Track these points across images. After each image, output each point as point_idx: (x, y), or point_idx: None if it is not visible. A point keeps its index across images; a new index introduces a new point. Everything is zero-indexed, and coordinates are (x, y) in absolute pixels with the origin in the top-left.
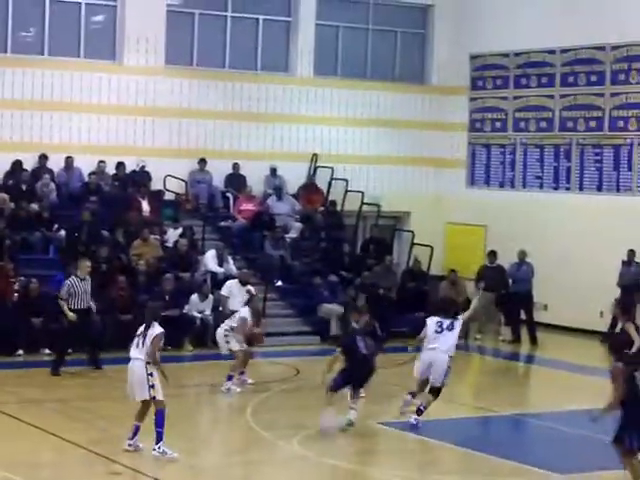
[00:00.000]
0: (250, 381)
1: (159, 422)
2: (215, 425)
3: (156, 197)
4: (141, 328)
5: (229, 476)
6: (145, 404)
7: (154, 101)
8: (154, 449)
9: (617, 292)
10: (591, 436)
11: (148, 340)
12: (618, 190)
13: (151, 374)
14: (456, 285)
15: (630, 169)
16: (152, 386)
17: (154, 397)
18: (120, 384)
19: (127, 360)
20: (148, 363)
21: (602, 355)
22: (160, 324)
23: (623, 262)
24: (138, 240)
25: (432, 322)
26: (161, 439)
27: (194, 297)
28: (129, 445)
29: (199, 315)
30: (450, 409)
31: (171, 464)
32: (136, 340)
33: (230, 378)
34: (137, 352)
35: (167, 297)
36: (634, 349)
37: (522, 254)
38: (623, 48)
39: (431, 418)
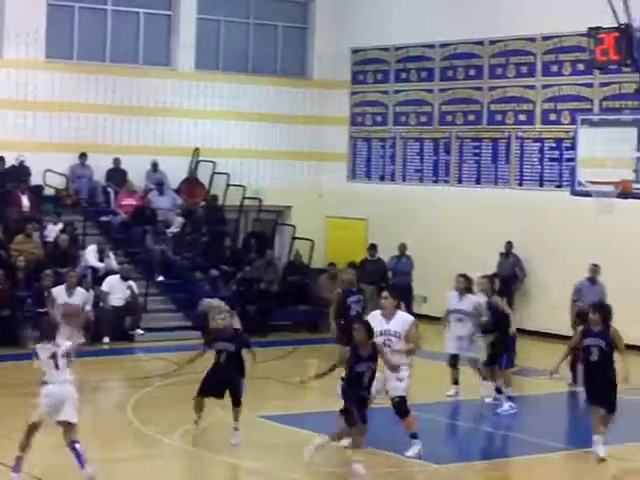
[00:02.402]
0: None
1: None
2: (95, 421)
3: (36, 192)
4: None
5: (110, 472)
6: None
7: (34, 95)
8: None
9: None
10: (468, 426)
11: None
12: (496, 183)
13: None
14: (335, 278)
15: (508, 162)
16: None
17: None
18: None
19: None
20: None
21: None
22: (40, 321)
23: (501, 254)
24: (21, 236)
25: None
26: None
27: None
28: None
29: None
30: (332, 401)
31: (51, 461)
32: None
33: None
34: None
35: (46, 293)
36: (511, 321)
37: (402, 247)
38: (501, 43)
39: (314, 410)
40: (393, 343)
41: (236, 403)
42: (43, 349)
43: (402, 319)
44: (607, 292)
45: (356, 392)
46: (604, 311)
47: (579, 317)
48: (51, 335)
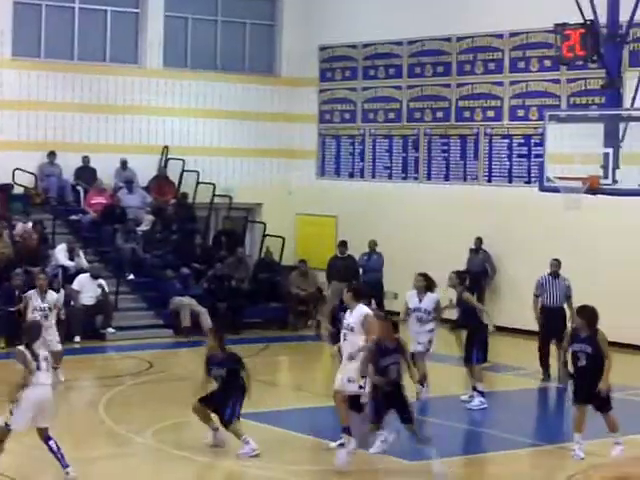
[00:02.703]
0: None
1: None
2: (67, 420)
3: (4, 191)
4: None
5: (83, 472)
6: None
7: (1, 93)
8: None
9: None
10: (438, 423)
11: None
12: (465, 179)
13: None
14: (306, 275)
15: (477, 159)
16: None
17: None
18: None
19: None
20: None
21: (454, 343)
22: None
23: (471, 250)
24: None
25: None
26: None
27: None
28: None
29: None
30: (303, 399)
31: (25, 461)
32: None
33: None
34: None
35: (17, 292)
36: (483, 314)
37: (372, 244)
38: (468, 39)
39: (288, 408)
40: (348, 336)
41: (222, 423)
42: (25, 351)
43: (358, 312)
44: (571, 286)
45: (381, 388)
46: (588, 315)
47: (542, 312)
48: (35, 337)
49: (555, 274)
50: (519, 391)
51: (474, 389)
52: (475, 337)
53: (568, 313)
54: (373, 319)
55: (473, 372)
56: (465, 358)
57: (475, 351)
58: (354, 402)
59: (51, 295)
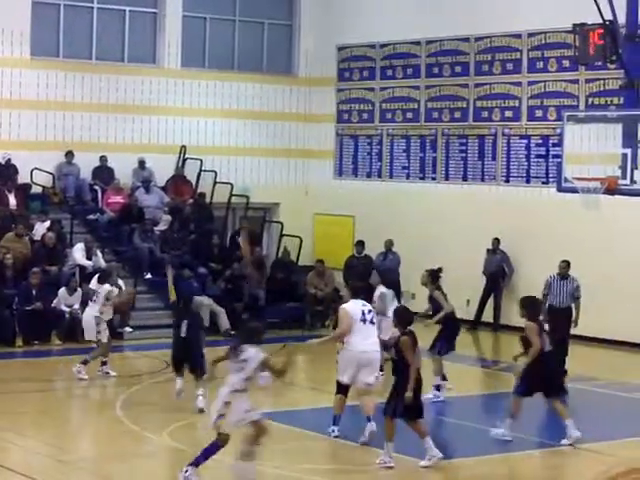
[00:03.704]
0: (113, 373)
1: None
2: (84, 419)
3: (23, 190)
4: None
5: (99, 470)
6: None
7: (20, 93)
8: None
9: (483, 280)
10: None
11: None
12: (483, 180)
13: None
14: (323, 275)
15: (494, 159)
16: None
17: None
18: None
19: None
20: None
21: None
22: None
23: (488, 250)
24: (11, 234)
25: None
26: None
27: (62, 291)
28: None
29: (67, 309)
30: (321, 398)
31: (40, 459)
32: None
33: (85, 363)
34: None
35: (34, 291)
36: (441, 314)
37: (389, 244)
38: (486, 39)
39: (303, 407)
40: None
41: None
42: None
43: None
44: (580, 287)
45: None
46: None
47: (549, 312)
48: None
49: (563, 275)
50: None
51: (443, 378)
52: (444, 332)
53: (574, 314)
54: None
55: (435, 364)
56: (430, 347)
57: (439, 344)
58: None
59: (78, 293)
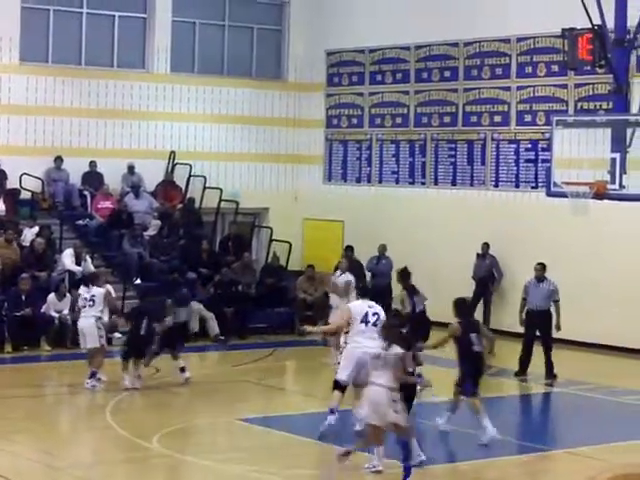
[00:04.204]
0: (104, 379)
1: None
2: (74, 425)
3: (12, 196)
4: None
5: (88, 476)
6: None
7: (9, 98)
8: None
9: (473, 285)
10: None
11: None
12: (472, 184)
13: (394, 400)
14: (313, 280)
15: (483, 163)
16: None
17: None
18: None
19: None
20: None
21: None
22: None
23: (478, 255)
24: (0, 239)
25: None
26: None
27: (51, 296)
28: None
29: (57, 315)
30: (311, 404)
31: (29, 465)
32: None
33: (94, 375)
34: (378, 377)
35: (24, 297)
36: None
37: (382, 248)
38: (475, 44)
39: (294, 413)
40: None
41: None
42: None
43: None
44: (558, 290)
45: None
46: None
47: (527, 315)
48: None
49: (540, 278)
50: (524, 396)
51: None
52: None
53: (555, 317)
54: None
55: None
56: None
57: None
58: None
59: (67, 298)
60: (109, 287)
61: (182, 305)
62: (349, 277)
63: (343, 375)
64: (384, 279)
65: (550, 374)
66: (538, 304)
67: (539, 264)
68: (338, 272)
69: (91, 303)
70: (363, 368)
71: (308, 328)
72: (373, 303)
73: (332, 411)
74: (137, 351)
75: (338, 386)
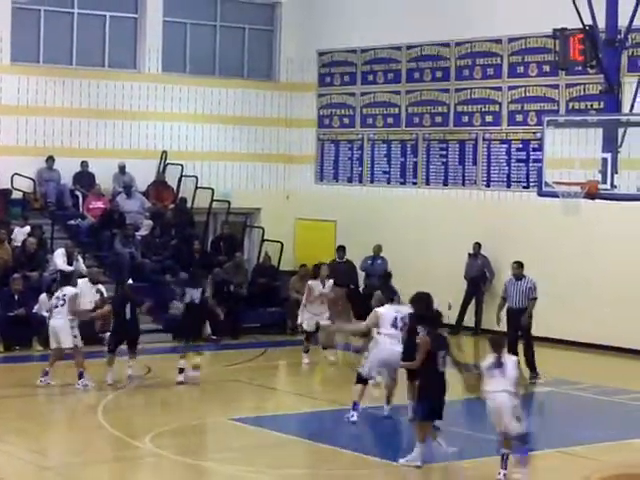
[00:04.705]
0: (92, 384)
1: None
2: (66, 424)
3: (3, 196)
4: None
5: (80, 476)
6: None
7: (0, 99)
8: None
9: (464, 284)
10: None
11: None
12: (464, 184)
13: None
14: (305, 280)
15: (475, 163)
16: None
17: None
18: None
19: None
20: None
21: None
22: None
23: (469, 255)
24: None
25: None
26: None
27: (43, 296)
28: None
29: (48, 315)
30: (303, 403)
31: (21, 464)
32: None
33: (82, 375)
34: (500, 384)
35: (17, 297)
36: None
37: (377, 249)
38: (467, 44)
39: (285, 412)
40: None
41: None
42: None
43: None
44: (535, 287)
45: None
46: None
47: (507, 314)
48: None
49: (517, 276)
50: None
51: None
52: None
53: (526, 312)
54: None
55: None
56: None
57: None
58: None
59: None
60: (101, 287)
61: (195, 286)
62: (330, 283)
63: (366, 370)
64: (378, 279)
65: (533, 371)
66: (517, 302)
67: (516, 262)
68: (318, 280)
69: (62, 302)
70: (384, 369)
71: (333, 326)
72: (400, 307)
73: (355, 405)
74: (127, 335)
75: (360, 379)
